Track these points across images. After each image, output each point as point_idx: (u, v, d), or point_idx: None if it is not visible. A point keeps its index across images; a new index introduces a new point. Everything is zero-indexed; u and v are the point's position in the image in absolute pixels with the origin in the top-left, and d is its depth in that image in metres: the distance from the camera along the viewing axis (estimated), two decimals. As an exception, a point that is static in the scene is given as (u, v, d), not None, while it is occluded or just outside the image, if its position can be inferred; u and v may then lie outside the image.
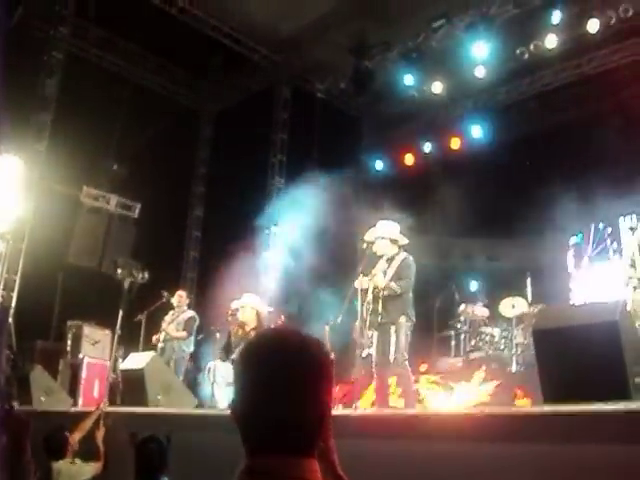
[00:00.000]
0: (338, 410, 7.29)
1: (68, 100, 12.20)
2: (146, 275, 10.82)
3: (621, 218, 9.71)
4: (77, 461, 5.87)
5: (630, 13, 10.89)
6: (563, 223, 10.37)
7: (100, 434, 6.44)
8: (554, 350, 4.69)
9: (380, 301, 7.02)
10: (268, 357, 1.48)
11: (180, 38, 13.46)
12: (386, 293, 7.00)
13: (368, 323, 7.00)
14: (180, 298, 10.50)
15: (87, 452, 6.20)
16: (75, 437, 6.16)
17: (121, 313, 9.07)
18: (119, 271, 10.58)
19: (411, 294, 7.16)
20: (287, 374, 1.46)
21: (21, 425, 5.49)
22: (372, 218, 8.02)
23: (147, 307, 10.30)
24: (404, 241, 7.34)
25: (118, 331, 9.14)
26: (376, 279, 7.01)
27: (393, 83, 13.51)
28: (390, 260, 7.19)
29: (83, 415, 6.94)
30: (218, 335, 9.82)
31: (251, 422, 1.48)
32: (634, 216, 8.90)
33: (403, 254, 7.23)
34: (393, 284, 7.00)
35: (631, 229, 6.50)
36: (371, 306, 7.01)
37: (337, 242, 11.53)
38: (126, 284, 9.74)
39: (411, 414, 5.96)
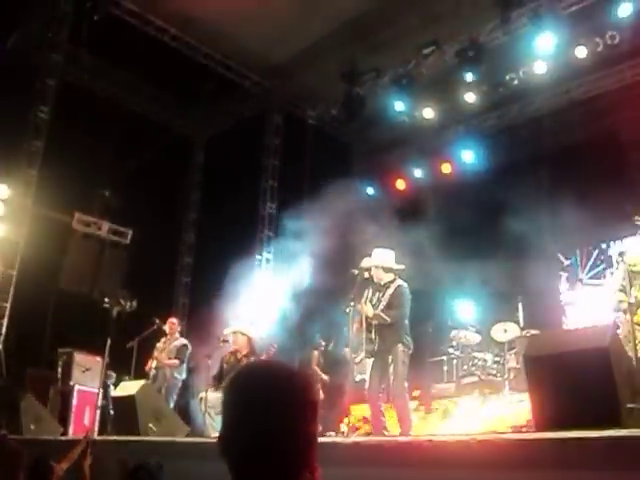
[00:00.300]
0: (329, 437, 7.26)
1: (61, 126, 12.24)
2: (134, 304, 10.79)
3: (611, 242, 9.77)
4: None
5: (617, 40, 11.04)
6: (554, 248, 10.43)
7: (87, 463, 6.40)
8: (545, 376, 4.68)
9: (373, 329, 7.02)
10: (254, 387, 1.51)
11: (172, 65, 13.56)
12: (376, 322, 7.01)
13: (364, 351, 7.00)
14: (172, 325, 10.46)
15: None
16: (62, 466, 6.11)
17: (109, 342, 9.06)
18: (106, 300, 10.54)
19: (407, 321, 7.15)
20: (272, 404, 1.48)
21: (14, 454, 5.42)
22: (364, 244, 8.05)
23: (139, 334, 10.25)
24: (399, 267, 7.35)
25: (107, 359, 9.09)
26: (365, 309, 7.02)
27: (384, 109, 13.61)
28: (385, 288, 7.20)
29: (71, 443, 6.89)
30: (210, 362, 9.77)
31: (236, 451, 1.48)
32: (623, 240, 8.95)
33: (398, 281, 7.23)
34: (382, 314, 7.00)
35: (620, 254, 6.53)
36: (365, 334, 7.02)
37: (331, 268, 11.53)
38: (114, 313, 9.72)
39: (404, 440, 5.93)
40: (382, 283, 7.23)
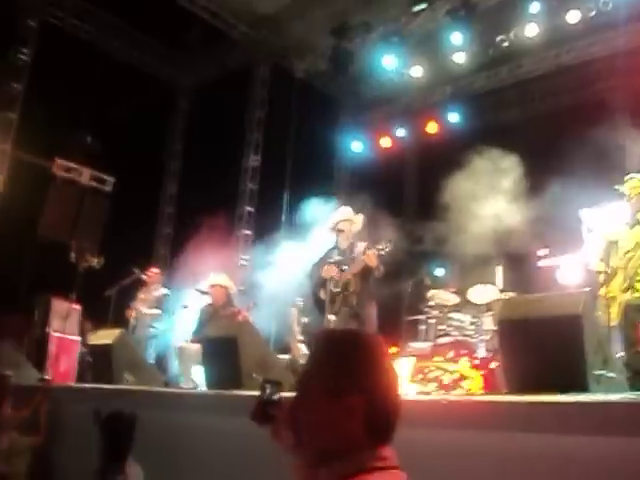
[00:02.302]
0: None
1: (42, 70, 12.02)
2: (102, 260, 10.76)
3: (589, 210, 9.81)
4: (13, 434, 5.98)
5: (610, 6, 10.95)
6: (535, 212, 10.45)
7: (43, 409, 6.54)
8: (517, 340, 4.74)
9: (358, 283, 7.07)
10: (381, 351, 1.63)
11: (158, 10, 13.24)
12: (367, 273, 7.04)
13: (335, 308, 7.06)
14: (153, 275, 10.44)
15: (30, 426, 6.33)
16: (24, 412, 6.25)
17: (74, 296, 9.10)
18: (73, 255, 10.51)
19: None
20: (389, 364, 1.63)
21: (0, 383, 5.59)
22: (348, 203, 8.06)
23: (118, 282, 10.25)
24: (359, 227, 7.41)
25: (72, 309, 9.10)
26: (369, 257, 7.01)
27: (373, 65, 13.47)
28: (351, 246, 7.23)
29: (32, 390, 6.99)
30: (187, 313, 9.80)
31: (382, 411, 1.56)
32: (602, 208, 8.99)
33: (362, 243, 7.27)
34: (381, 266, 7.04)
35: (597, 223, 6.58)
36: (345, 289, 7.07)
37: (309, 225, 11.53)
38: (80, 268, 9.70)
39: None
40: (348, 241, 7.28)
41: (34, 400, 6.62)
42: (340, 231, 7.33)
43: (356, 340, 1.64)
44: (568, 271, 10.18)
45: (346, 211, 7.52)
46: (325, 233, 7.58)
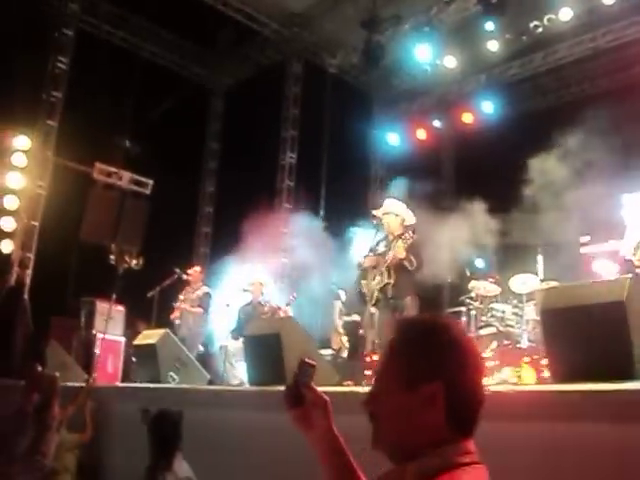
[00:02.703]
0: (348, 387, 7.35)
1: (80, 77, 12.23)
2: (141, 261, 10.90)
3: (635, 194, 9.65)
4: (62, 431, 6.15)
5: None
6: (575, 199, 10.30)
7: (87, 407, 6.74)
8: (561, 330, 4.69)
9: (393, 275, 7.05)
10: (461, 334, 1.54)
11: (191, 13, 13.38)
12: (403, 265, 7.00)
13: (374, 300, 7.06)
14: (196, 274, 10.53)
15: (75, 424, 6.52)
16: (69, 410, 6.43)
17: (114, 297, 9.29)
18: (112, 257, 10.67)
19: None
20: (471, 347, 1.53)
21: (51, 383, 5.76)
22: (385, 195, 8.05)
23: (160, 283, 10.39)
24: (412, 221, 7.35)
25: (115, 310, 9.25)
26: (396, 251, 6.98)
27: (405, 58, 13.41)
28: (398, 238, 7.19)
29: (76, 390, 7.18)
30: (229, 311, 9.90)
31: (465, 399, 1.47)
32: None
33: (411, 234, 7.23)
34: (412, 257, 7.00)
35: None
36: (381, 281, 7.06)
37: (347, 217, 11.54)
38: (120, 270, 9.84)
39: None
40: (395, 233, 7.24)
41: (78, 399, 6.80)
42: (386, 222, 7.32)
43: (433, 324, 1.53)
44: (609, 258, 10.03)
45: (392, 203, 7.50)
46: (374, 224, 7.54)
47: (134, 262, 11.11)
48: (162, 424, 4.82)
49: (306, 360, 1.75)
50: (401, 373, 1.46)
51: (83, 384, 7.46)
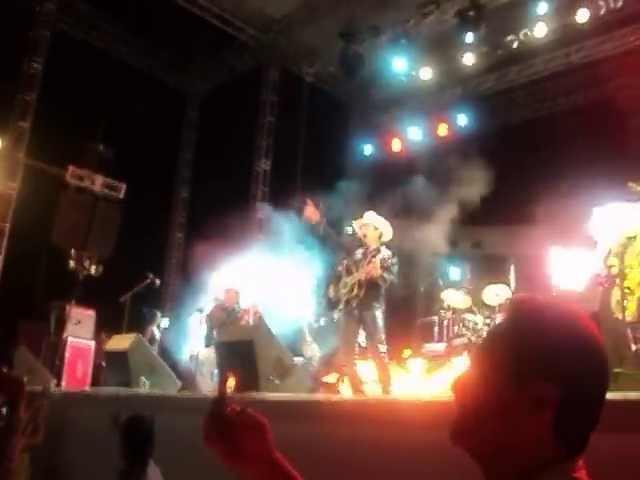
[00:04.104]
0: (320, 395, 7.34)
1: (54, 78, 12.09)
2: (100, 268, 10.81)
3: (600, 208, 9.77)
4: None
5: (620, 4, 10.91)
6: (547, 211, 10.44)
7: (42, 412, 6.67)
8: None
9: (363, 288, 7.07)
10: (589, 329, 1.21)
11: (167, 17, 13.34)
12: (375, 281, 7.04)
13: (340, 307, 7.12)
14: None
15: (29, 428, 6.47)
16: (27, 413, 6.37)
17: (73, 302, 9.19)
18: (72, 264, 10.57)
19: None
20: (597, 346, 1.20)
21: (16, 384, 5.65)
22: (360, 206, 8.07)
23: (132, 288, 10.30)
24: (389, 237, 7.39)
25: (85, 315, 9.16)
26: (371, 267, 7.01)
27: (382, 68, 13.49)
28: (376, 253, 7.21)
29: (34, 394, 7.11)
30: (202, 318, 9.84)
31: (581, 409, 1.17)
32: (613, 205, 8.96)
33: (386, 249, 7.27)
34: (385, 274, 7.03)
35: (614, 220, 6.56)
36: (350, 291, 7.09)
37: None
38: (80, 276, 9.74)
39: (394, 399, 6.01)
40: (372, 247, 7.27)
41: (35, 404, 6.72)
42: (364, 235, 7.33)
43: (559, 313, 1.21)
44: (579, 269, 10.15)
45: (372, 215, 7.51)
46: (351, 234, 7.56)
47: (93, 268, 11.00)
48: (135, 429, 4.76)
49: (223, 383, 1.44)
50: (509, 363, 1.18)
51: (40, 387, 7.39)
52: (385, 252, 7.16)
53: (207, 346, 9.07)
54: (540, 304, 1.24)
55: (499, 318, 10.14)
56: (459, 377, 1.25)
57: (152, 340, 10.86)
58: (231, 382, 1.44)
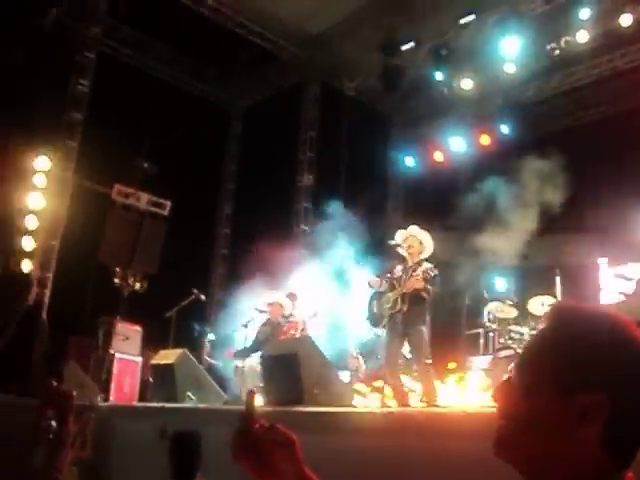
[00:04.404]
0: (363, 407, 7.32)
1: (100, 99, 12.39)
2: (145, 284, 10.94)
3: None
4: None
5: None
6: (595, 222, 10.27)
7: (89, 428, 6.75)
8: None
9: (407, 303, 7.06)
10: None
11: (209, 36, 13.56)
12: (419, 294, 7.03)
13: (383, 323, 7.12)
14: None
15: (78, 442, 6.56)
16: (75, 427, 6.45)
17: (118, 318, 9.33)
18: (116, 281, 10.72)
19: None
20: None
21: (66, 398, 5.74)
22: (403, 219, 8.05)
23: (177, 304, 10.41)
24: (430, 252, 7.38)
25: (132, 330, 9.29)
26: (413, 280, 7.00)
27: (422, 80, 13.47)
28: (416, 265, 7.20)
29: (82, 408, 7.22)
30: (246, 332, 9.88)
31: (632, 421, 1.13)
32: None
33: (427, 263, 7.26)
34: (429, 287, 7.01)
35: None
36: (394, 307, 7.08)
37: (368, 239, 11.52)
38: (125, 292, 9.86)
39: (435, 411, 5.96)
40: (413, 261, 7.26)
41: (83, 417, 6.82)
42: (408, 246, 7.34)
43: (600, 319, 1.18)
44: (629, 280, 9.95)
45: (416, 229, 7.51)
46: (394, 249, 7.56)
47: (137, 285, 11.15)
48: (183, 444, 4.81)
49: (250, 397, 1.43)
50: (552, 372, 1.14)
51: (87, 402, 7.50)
52: (426, 265, 7.14)
53: (236, 355, 9.17)
54: (582, 311, 1.21)
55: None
56: (500, 386, 1.23)
57: (210, 355, 11.01)
58: (258, 399, 1.42)
